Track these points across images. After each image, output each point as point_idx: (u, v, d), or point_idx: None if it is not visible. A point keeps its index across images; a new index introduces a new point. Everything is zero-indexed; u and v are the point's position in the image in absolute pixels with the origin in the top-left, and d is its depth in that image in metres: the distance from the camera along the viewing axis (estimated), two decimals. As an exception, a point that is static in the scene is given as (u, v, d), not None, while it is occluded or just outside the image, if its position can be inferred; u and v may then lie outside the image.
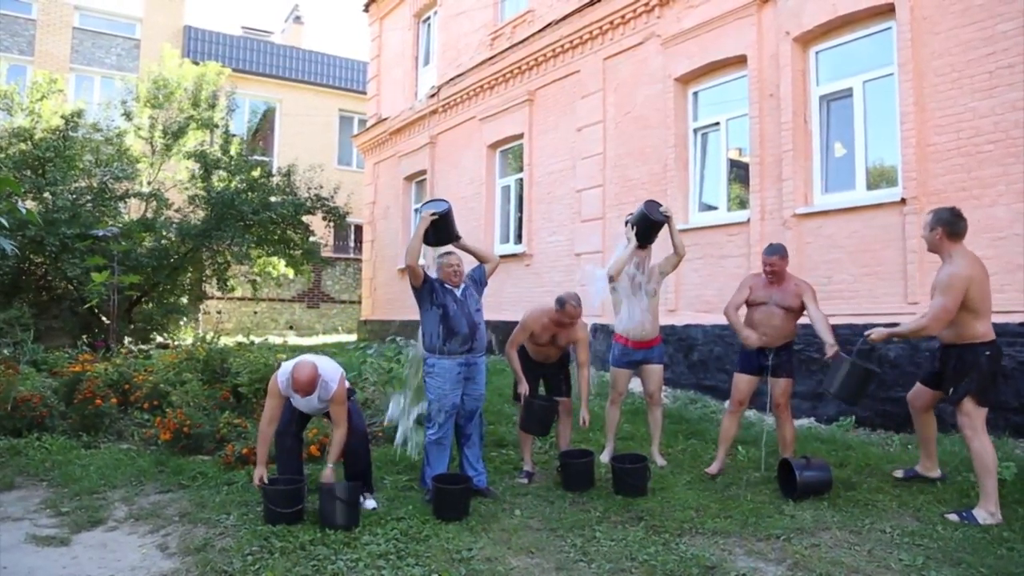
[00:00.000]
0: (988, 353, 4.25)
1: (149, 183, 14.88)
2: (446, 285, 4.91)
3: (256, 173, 14.55)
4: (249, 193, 13.60)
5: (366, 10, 17.14)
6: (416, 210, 15.07)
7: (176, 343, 12.27)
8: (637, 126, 9.36)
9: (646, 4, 9.14)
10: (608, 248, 9.31)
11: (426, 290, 4.89)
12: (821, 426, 6.74)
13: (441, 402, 4.80)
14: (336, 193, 15.03)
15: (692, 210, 8.73)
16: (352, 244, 23.81)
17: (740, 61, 8.05)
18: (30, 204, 11.40)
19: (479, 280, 5.09)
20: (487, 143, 12.40)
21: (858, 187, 7.03)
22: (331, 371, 4.50)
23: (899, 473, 5.03)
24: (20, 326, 9.96)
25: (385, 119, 15.77)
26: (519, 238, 11.76)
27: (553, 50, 10.77)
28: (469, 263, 5.06)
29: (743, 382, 5.32)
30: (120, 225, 12.39)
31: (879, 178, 7.01)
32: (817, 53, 7.44)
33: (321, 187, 14.82)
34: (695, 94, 8.82)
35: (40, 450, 5.85)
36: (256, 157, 17.37)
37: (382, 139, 16.07)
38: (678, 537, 4.03)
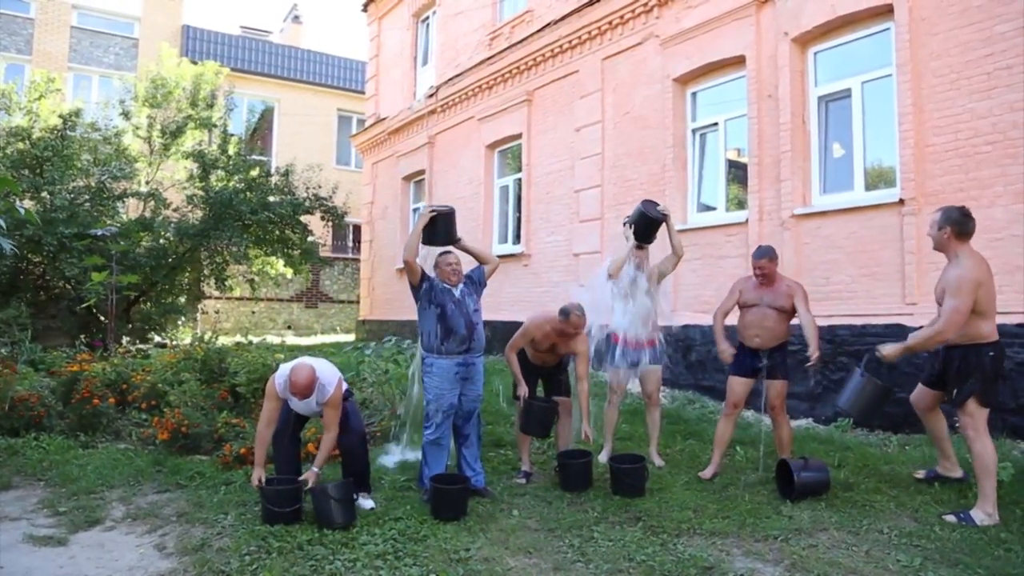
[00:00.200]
0: (992, 354, 4.23)
1: (147, 183, 14.87)
2: (444, 284, 4.91)
3: (254, 173, 14.56)
4: (247, 193, 13.60)
5: (365, 10, 17.13)
6: (414, 210, 15.08)
7: (174, 343, 12.27)
8: (636, 126, 9.36)
9: (645, 4, 9.15)
10: (606, 248, 9.32)
11: (424, 288, 4.89)
12: (819, 426, 6.74)
13: (439, 402, 4.80)
14: (334, 193, 15.03)
15: (690, 210, 8.73)
16: (350, 244, 23.80)
17: (739, 62, 8.05)
18: (28, 203, 11.39)
19: (478, 281, 5.09)
20: (485, 143, 12.40)
21: (856, 188, 7.03)
22: (329, 374, 4.50)
23: (920, 474, 4.96)
24: (18, 325, 9.97)
25: (384, 119, 15.77)
26: (517, 238, 11.76)
27: (552, 50, 10.77)
28: (468, 264, 5.06)
29: (738, 385, 5.32)
30: (118, 225, 12.37)
31: (877, 179, 7.02)
32: (816, 54, 7.45)
33: (319, 187, 14.82)
34: (694, 94, 8.83)
35: (38, 450, 5.84)
36: (254, 157, 17.38)
37: (380, 139, 16.06)
38: (676, 538, 4.03)
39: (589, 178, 10.00)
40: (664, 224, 5.68)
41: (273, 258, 15.13)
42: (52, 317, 12.17)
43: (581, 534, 4.11)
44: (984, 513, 4.16)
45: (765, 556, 3.78)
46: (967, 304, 4.11)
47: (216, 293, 16.29)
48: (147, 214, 14.01)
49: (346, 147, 22.84)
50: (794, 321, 5.26)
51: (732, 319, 5.45)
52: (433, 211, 4.90)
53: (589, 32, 10.06)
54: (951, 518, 4.22)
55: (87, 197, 12.51)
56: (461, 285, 4.96)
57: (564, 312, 5.10)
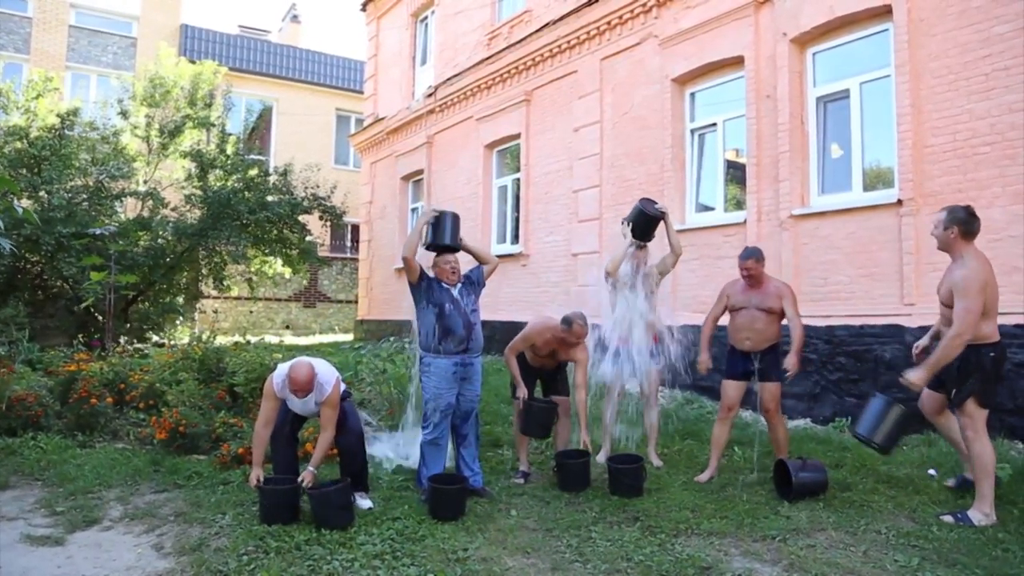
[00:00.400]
0: (992, 354, 4.21)
1: (145, 182, 14.84)
2: (443, 283, 4.91)
3: (253, 172, 14.53)
4: (246, 192, 13.59)
5: (363, 9, 17.13)
6: (413, 210, 15.08)
7: (172, 342, 12.25)
8: (634, 126, 9.36)
9: (643, 5, 9.15)
10: (605, 248, 9.32)
11: (422, 287, 4.89)
12: (817, 427, 6.74)
13: (436, 401, 4.80)
14: (333, 192, 15.03)
15: (689, 211, 8.74)
16: (349, 244, 23.79)
17: (737, 62, 8.06)
18: (25, 203, 11.36)
19: (477, 281, 5.08)
20: (484, 143, 12.40)
21: (855, 188, 7.04)
22: (327, 374, 4.51)
23: (950, 483, 4.84)
24: (15, 325, 9.95)
25: (382, 119, 15.76)
26: (516, 238, 11.76)
27: (550, 50, 10.77)
28: (467, 264, 5.06)
29: (731, 388, 5.32)
30: (116, 224, 12.35)
31: (876, 179, 7.02)
32: (814, 54, 7.45)
33: (318, 186, 14.81)
34: (692, 95, 8.83)
35: (35, 449, 5.83)
36: (253, 156, 17.35)
37: (379, 139, 16.06)
38: (674, 538, 4.04)
39: (588, 178, 10.00)
40: (662, 222, 5.69)
41: (271, 258, 15.12)
42: (50, 316, 12.15)
43: (579, 534, 4.11)
44: (981, 513, 4.16)
45: (763, 556, 3.79)
46: (978, 304, 4.08)
47: (214, 293, 16.28)
48: (145, 214, 14.00)
49: (344, 147, 22.83)
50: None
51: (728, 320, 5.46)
52: (436, 212, 4.91)
53: (588, 32, 10.07)
54: (948, 518, 4.22)
55: (85, 196, 12.48)
56: (459, 285, 4.96)
57: (567, 321, 5.11)
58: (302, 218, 14.55)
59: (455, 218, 5.00)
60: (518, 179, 11.71)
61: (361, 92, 20.17)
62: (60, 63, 20.82)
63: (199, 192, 13.74)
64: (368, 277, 16.43)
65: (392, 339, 9.85)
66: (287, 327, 21.53)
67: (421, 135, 14.32)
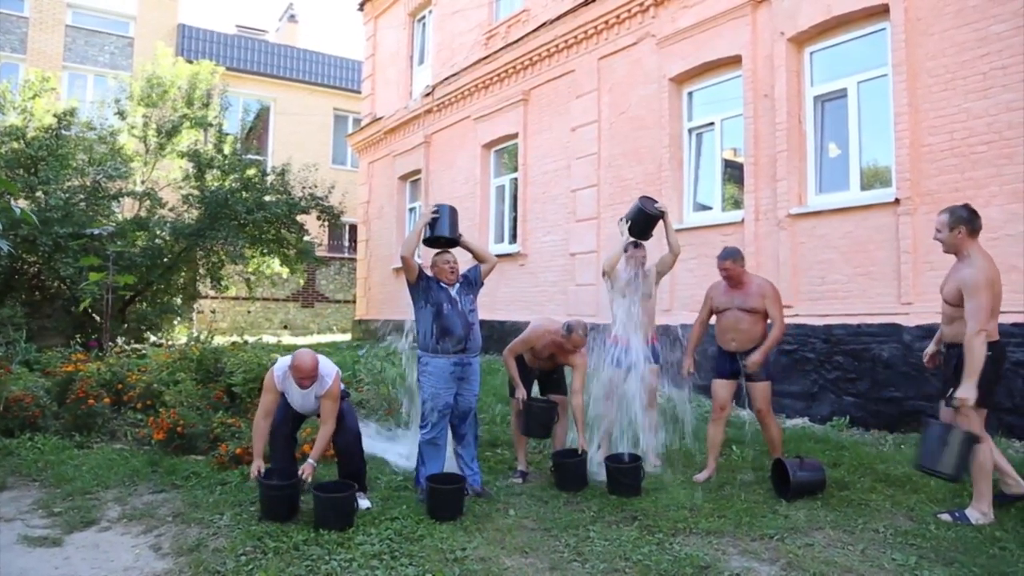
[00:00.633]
0: (990, 354, 4.19)
1: (143, 182, 14.84)
2: (441, 283, 4.90)
3: (250, 172, 14.53)
4: (243, 192, 13.58)
5: (361, 9, 17.11)
6: (411, 209, 15.08)
7: (170, 343, 12.23)
8: (632, 126, 9.36)
9: (641, 4, 9.15)
10: (603, 248, 9.33)
11: (420, 287, 4.89)
12: (815, 425, 6.75)
13: (434, 401, 4.80)
14: (330, 192, 15.02)
15: (686, 210, 8.74)
16: (347, 243, 23.78)
17: (735, 61, 8.06)
18: (22, 203, 11.36)
19: (474, 280, 5.08)
20: (482, 143, 12.40)
21: (852, 187, 7.05)
22: (328, 367, 4.53)
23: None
24: (13, 325, 9.94)
25: (380, 118, 15.75)
26: (514, 238, 11.75)
27: (548, 50, 10.77)
28: (465, 264, 5.05)
29: (721, 388, 5.33)
30: (114, 224, 12.34)
31: (873, 179, 7.03)
32: (812, 53, 7.46)
33: (315, 186, 14.81)
34: (690, 94, 8.83)
35: (32, 450, 5.82)
36: (250, 156, 17.33)
37: (377, 138, 16.05)
38: (672, 537, 4.04)
39: (585, 178, 10.01)
40: (661, 221, 5.68)
41: (269, 258, 15.10)
42: (47, 317, 12.14)
43: (577, 533, 4.11)
44: (979, 512, 4.16)
45: (761, 555, 3.79)
46: (988, 299, 4.06)
47: (212, 293, 16.25)
48: (143, 214, 13.98)
49: (342, 146, 22.82)
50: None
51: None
52: (435, 210, 4.91)
53: (585, 32, 10.07)
54: (946, 517, 4.22)
55: (82, 197, 12.47)
56: (458, 284, 4.95)
57: (568, 328, 5.12)
58: (300, 218, 14.55)
59: (453, 211, 5.00)
60: (516, 179, 11.71)
61: (359, 92, 20.17)
62: (57, 63, 20.76)
63: (196, 192, 13.73)
64: (366, 277, 16.43)
65: (390, 338, 9.83)
66: (285, 327, 21.52)
67: (419, 135, 14.32)
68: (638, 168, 9.19)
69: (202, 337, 8.50)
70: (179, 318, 14.87)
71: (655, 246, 5.93)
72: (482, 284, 5.14)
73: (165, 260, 13.31)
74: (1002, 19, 5.84)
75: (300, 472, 4.37)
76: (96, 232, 10.94)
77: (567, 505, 4.69)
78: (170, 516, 4.43)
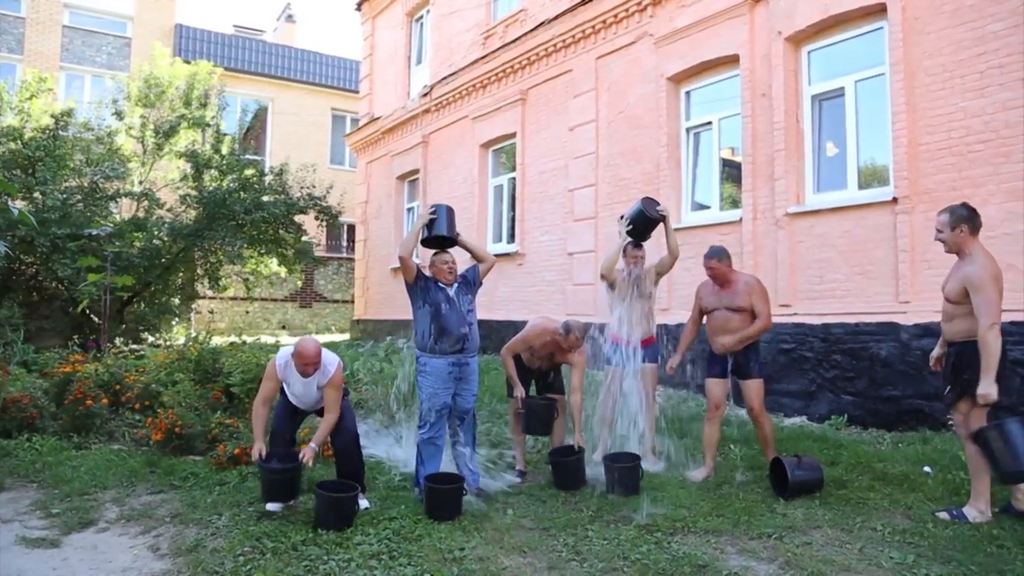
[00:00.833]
0: None
1: (140, 183, 14.80)
2: (439, 283, 4.90)
3: (248, 172, 14.50)
4: (241, 192, 13.55)
5: (358, 9, 17.11)
6: (409, 209, 15.07)
7: (168, 343, 12.22)
8: (630, 125, 9.36)
9: (638, 3, 9.15)
10: (601, 247, 9.33)
11: (419, 287, 4.89)
12: (813, 424, 6.75)
13: (432, 401, 4.80)
14: (329, 192, 15.00)
15: (684, 209, 8.74)
16: (345, 243, 23.76)
17: (732, 60, 8.06)
18: (20, 204, 11.33)
19: (473, 280, 5.08)
20: (479, 142, 12.40)
21: (850, 186, 7.05)
22: (330, 357, 4.53)
23: (995, 509, 4.28)
24: (10, 326, 9.91)
25: (378, 118, 15.75)
26: (512, 237, 11.75)
27: (546, 49, 10.77)
28: (463, 264, 5.05)
29: (714, 386, 5.34)
30: (112, 225, 12.32)
31: (871, 177, 7.04)
32: (809, 53, 7.46)
33: (314, 186, 14.79)
34: (687, 93, 8.84)
35: (30, 451, 5.81)
36: (248, 156, 17.31)
37: (375, 138, 16.05)
38: (670, 536, 4.04)
39: (583, 177, 10.01)
40: (662, 224, 5.68)
41: (267, 258, 15.08)
42: (45, 318, 12.10)
43: (576, 533, 4.12)
44: (977, 510, 4.17)
45: (759, 554, 3.79)
46: (996, 293, 4.05)
47: (210, 293, 16.21)
48: (140, 214, 13.95)
49: (340, 146, 22.81)
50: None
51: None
52: (433, 210, 4.92)
53: (583, 31, 10.07)
54: (944, 515, 4.22)
55: (80, 197, 12.43)
56: (456, 284, 4.95)
57: (566, 328, 5.13)
58: (298, 218, 14.52)
59: (451, 211, 5.02)
60: (514, 178, 11.71)
61: (356, 92, 20.15)
62: (54, 63, 20.74)
63: (194, 192, 13.69)
64: (364, 277, 16.42)
65: (389, 338, 9.84)
66: (283, 327, 21.50)
67: (417, 135, 14.31)
68: (636, 167, 9.20)
69: (200, 337, 8.49)
70: (177, 318, 14.85)
71: (654, 246, 5.93)
72: (480, 284, 5.14)
73: (163, 260, 13.28)
74: (999, 18, 5.85)
75: (301, 455, 4.37)
76: (94, 233, 10.92)
77: (565, 504, 4.69)
78: (168, 517, 4.43)
